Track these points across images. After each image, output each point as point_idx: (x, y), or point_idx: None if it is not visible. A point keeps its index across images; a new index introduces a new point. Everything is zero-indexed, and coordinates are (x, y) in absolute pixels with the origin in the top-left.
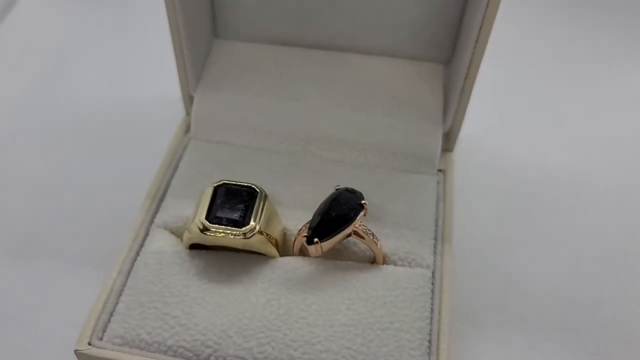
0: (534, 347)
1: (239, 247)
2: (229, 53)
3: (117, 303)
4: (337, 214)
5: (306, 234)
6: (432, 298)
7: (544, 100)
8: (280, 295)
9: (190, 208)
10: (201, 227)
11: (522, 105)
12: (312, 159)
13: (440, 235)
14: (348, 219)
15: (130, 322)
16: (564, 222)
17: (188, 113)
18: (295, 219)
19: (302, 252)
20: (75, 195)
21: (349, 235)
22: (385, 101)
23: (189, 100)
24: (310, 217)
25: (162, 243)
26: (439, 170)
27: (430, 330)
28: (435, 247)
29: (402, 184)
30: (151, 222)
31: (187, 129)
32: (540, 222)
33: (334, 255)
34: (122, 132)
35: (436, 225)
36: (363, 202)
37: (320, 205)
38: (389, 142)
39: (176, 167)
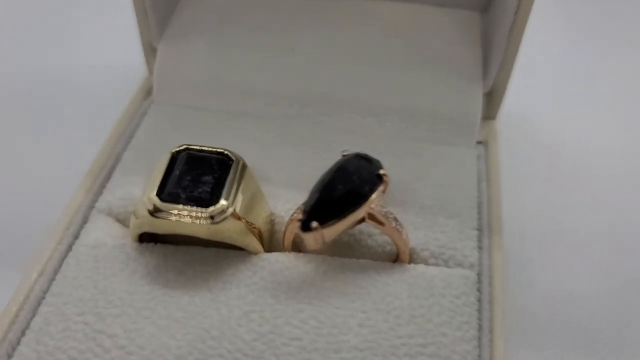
0: None
1: (205, 236)
2: None
3: (33, 316)
4: (345, 189)
5: (300, 217)
6: (479, 310)
7: (601, 69)
8: (264, 306)
9: (143, 186)
10: (151, 207)
11: (578, 72)
12: (310, 126)
13: (485, 225)
14: (361, 196)
15: (48, 343)
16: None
17: (151, 72)
18: (287, 201)
19: (296, 247)
20: (6, 178)
21: (362, 220)
22: (408, 53)
23: (151, 53)
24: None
25: (102, 233)
26: (479, 143)
27: (479, 356)
28: (479, 240)
29: (432, 158)
30: (91, 206)
31: (149, 93)
32: (605, 213)
33: (341, 250)
34: (66, 103)
35: (479, 212)
36: (382, 171)
37: (322, 177)
38: (412, 104)
39: (131, 138)
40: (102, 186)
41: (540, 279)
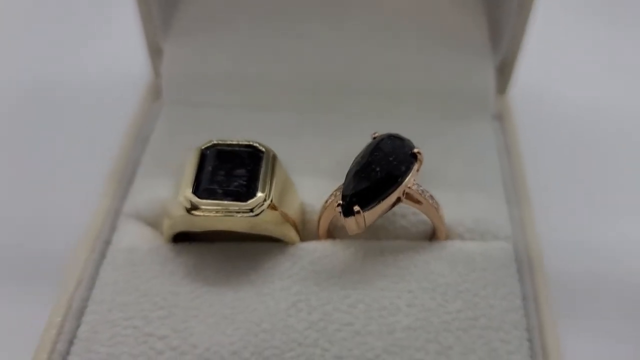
0: None
1: (244, 230)
2: None
3: (78, 325)
4: (384, 170)
5: (340, 203)
6: (520, 280)
7: (614, 39)
8: (310, 295)
9: (169, 188)
10: (188, 205)
11: (588, 45)
12: (326, 114)
13: (513, 197)
14: (398, 177)
15: (100, 350)
16: None
17: (158, 74)
18: (313, 189)
19: (330, 234)
20: (18, 190)
21: (398, 200)
22: (417, 33)
23: (157, 54)
24: (336, 186)
25: (135, 237)
26: (493, 118)
27: (527, 325)
28: (509, 212)
29: (450, 135)
30: (118, 211)
31: (158, 94)
32: (633, 182)
33: (375, 233)
34: (73, 111)
35: (504, 185)
36: (416, 150)
37: (356, 159)
38: (425, 83)
39: (146, 141)
40: (126, 191)
41: (574, 247)
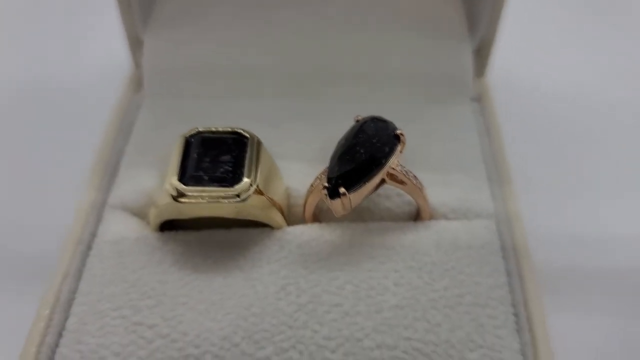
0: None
1: (231, 216)
2: None
3: (67, 317)
4: (368, 152)
5: (326, 185)
6: (504, 257)
7: (587, 25)
8: (298, 278)
9: (154, 178)
10: (174, 192)
11: (563, 29)
12: (308, 100)
13: (494, 176)
14: (382, 158)
15: (89, 341)
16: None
17: (138, 65)
18: (299, 174)
19: (316, 217)
20: (4, 189)
21: (383, 182)
22: (395, 19)
23: (137, 46)
24: (321, 170)
25: (121, 227)
26: (472, 100)
27: (513, 300)
28: (491, 190)
29: (431, 117)
30: (104, 202)
31: (139, 86)
32: (606, 161)
33: (361, 215)
34: (53, 109)
35: (485, 164)
36: (398, 131)
37: (340, 142)
38: (404, 67)
39: (129, 132)
40: (110, 182)
41: (553, 227)
